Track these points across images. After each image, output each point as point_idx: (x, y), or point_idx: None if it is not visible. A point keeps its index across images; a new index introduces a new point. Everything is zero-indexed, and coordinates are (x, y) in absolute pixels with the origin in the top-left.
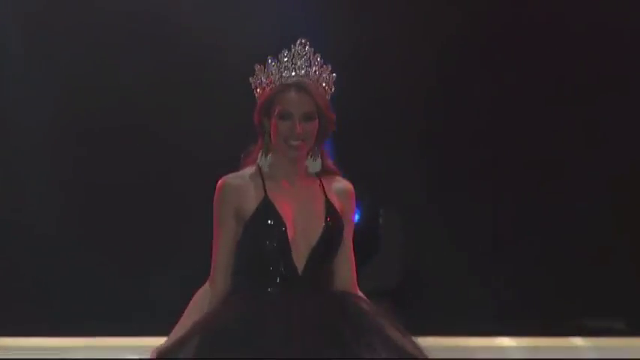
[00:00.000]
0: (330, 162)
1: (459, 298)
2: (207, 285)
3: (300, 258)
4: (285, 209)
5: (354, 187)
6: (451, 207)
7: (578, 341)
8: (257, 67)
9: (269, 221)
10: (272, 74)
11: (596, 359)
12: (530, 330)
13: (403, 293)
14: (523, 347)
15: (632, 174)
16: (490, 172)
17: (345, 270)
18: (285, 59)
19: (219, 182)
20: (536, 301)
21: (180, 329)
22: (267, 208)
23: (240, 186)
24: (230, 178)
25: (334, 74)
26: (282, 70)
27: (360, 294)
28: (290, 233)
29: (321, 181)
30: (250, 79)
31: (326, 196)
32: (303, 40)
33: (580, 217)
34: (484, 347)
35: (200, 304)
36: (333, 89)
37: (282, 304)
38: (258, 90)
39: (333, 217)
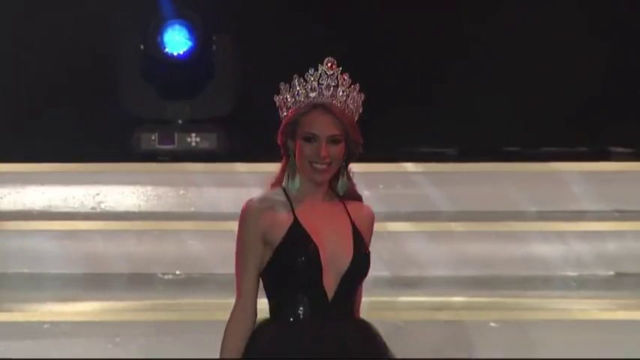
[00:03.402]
0: (353, 186)
1: None
2: (235, 313)
3: (330, 285)
4: (315, 234)
5: None
6: (287, 31)
7: (409, 166)
8: (282, 85)
9: (301, 246)
10: (298, 94)
11: (428, 184)
12: (364, 156)
13: (238, 119)
14: (359, 173)
15: None
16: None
17: (358, 296)
18: (312, 79)
19: (244, 205)
20: (370, 127)
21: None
22: (298, 232)
23: (266, 209)
24: (255, 202)
25: (362, 94)
26: (309, 90)
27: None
28: (322, 259)
29: (344, 205)
30: (275, 97)
31: (353, 224)
32: (330, 59)
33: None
34: None
35: (238, 333)
36: (361, 110)
37: (314, 331)
38: (283, 110)
39: (360, 241)
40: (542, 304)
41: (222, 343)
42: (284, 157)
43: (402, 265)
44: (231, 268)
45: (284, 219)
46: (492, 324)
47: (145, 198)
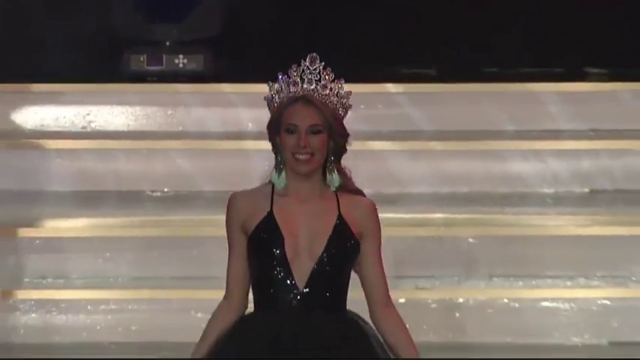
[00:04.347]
0: (351, 182)
1: (279, 42)
2: (218, 308)
3: (302, 276)
4: (291, 226)
5: None
6: None
7: (390, 87)
8: (269, 84)
9: (269, 237)
10: (281, 90)
11: (408, 104)
12: (346, 77)
13: (224, 41)
14: None
15: None
16: None
17: (375, 287)
18: (294, 74)
19: (230, 197)
20: (353, 49)
21: (200, 347)
22: (268, 223)
23: (248, 201)
24: (239, 193)
25: (350, 91)
26: (291, 84)
27: (391, 311)
28: (290, 251)
29: (337, 198)
30: (263, 97)
31: (339, 212)
32: (313, 55)
33: None
34: None
35: (219, 320)
36: (350, 105)
37: (279, 323)
38: (271, 108)
39: (341, 231)
40: (520, 221)
41: (201, 337)
42: (275, 154)
43: (383, 183)
44: (217, 186)
45: (261, 210)
46: (471, 240)
47: (134, 117)
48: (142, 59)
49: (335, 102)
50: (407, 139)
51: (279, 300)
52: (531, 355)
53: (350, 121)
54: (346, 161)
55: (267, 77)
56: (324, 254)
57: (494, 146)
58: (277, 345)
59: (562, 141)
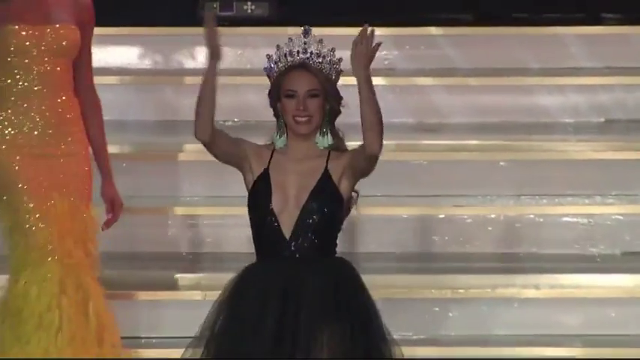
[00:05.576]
0: (343, 144)
1: None
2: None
3: (290, 226)
4: (282, 181)
5: None
6: None
7: (432, 30)
8: (267, 56)
9: (263, 192)
10: (280, 60)
11: (449, 47)
12: (393, 21)
13: None
14: (390, 35)
15: None
16: None
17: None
18: (291, 45)
19: (240, 139)
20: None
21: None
22: (264, 179)
23: (255, 150)
24: (248, 142)
25: (341, 57)
26: (287, 55)
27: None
28: (279, 203)
29: (329, 155)
30: (263, 68)
31: (326, 167)
32: (307, 27)
33: None
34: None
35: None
36: (341, 70)
37: (265, 269)
38: (270, 77)
39: (325, 183)
40: (544, 147)
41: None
42: (276, 119)
43: (425, 114)
44: None
45: (260, 167)
46: (502, 163)
47: None
48: (215, 6)
49: (328, 68)
50: (446, 75)
51: (274, 249)
52: (555, 264)
53: (397, 60)
54: (394, 95)
55: (324, 21)
56: (308, 204)
57: (522, 82)
58: (282, 290)
59: (581, 77)
